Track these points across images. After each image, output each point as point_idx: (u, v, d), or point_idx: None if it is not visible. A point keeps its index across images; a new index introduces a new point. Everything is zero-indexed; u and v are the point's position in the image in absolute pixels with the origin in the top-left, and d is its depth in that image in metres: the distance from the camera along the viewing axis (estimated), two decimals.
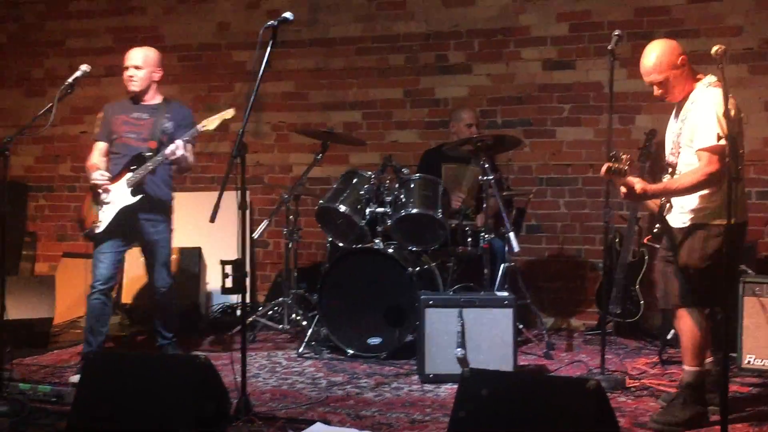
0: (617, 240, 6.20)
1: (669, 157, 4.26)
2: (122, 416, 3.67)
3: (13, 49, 8.17)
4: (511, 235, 5.33)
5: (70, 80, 4.86)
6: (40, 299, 5.99)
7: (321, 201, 5.84)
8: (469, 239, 5.88)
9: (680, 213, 4.20)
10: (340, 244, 5.88)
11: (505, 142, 5.82)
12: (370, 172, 5.86)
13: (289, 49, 7.30)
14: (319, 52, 7.39)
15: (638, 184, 4.09)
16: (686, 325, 4.16)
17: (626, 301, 6.10)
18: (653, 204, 4.36)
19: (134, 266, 5.78)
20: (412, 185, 5.76)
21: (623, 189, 4.13)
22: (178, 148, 5.06)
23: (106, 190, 5.13)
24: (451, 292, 5.72)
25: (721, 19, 6.37)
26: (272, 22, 4.25)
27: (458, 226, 5.89)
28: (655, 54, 4.22)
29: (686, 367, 4.19)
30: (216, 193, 4.15)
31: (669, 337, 5.39)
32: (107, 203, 5.15)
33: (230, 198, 4.18)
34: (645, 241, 5.03)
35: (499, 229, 5.81)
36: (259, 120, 7.45)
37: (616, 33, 4.93)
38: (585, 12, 6.70)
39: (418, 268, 5.64)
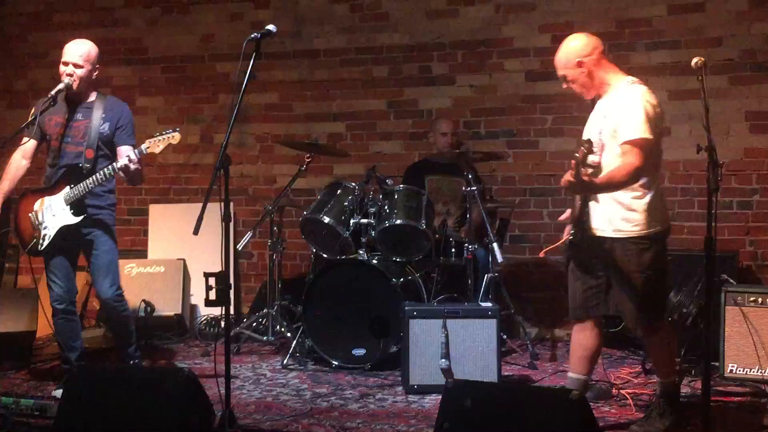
0: None
1: (591, 157, 4.10)
2: (105, 430, 3.65)
3: None
4: (495, 245, 5.35)
5: (52, 93, 4.83)
6: (23, 312, 5.95)
7: (305, 212, 5.85)
8: (453, 250, 5.90)
9: (603, 220, 4.13)
10: (325, 256, 5.88)
11: (490, 155, 5.85)
12: (354, 184, 5.87)
13: (273, 61, 7.31)
14: (303, 63, 7.41)
15: (585, 175, 3.93)
16: (658, 341, 4.18)
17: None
18: (573, 209, 4.30)
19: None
20: (395, 196, 5.77)
21: (568, 177, 3.94)
22: (131, 162, 4.75)
23: (36, 214, 4.93)
24: (435, 303, 5.73)
25: (702, 30, 6.43)
26: (255, 34, 4.26)
27: (442, 237, 5.91)
28: (564, 49, 4.22)
29: (660, 380, 4.22)
30: (200, 205, 4.14)
31: None
32: (46, 220, 4.92)
33: (214, 210, 4.17)
34: (542, 254, 4.83)
35: (483, 240, 5.83)
36: (244, 131, 7.45)
37: None
38: (567, 24, 6.73)
39: (402, 279, 5.65)
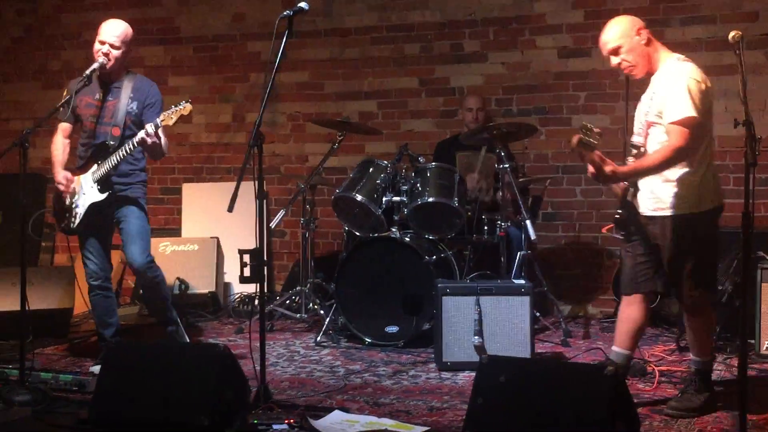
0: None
1: (635, 138, 4.13)
2: (142, 405, 3.70)
3: (30, 42, 8.22)
4: (528, 223, 5.33)
5: (87, 72, 4.87)
6: (60, 290, 6.03)
7: (337, 190, 5.86)
8: (486, 227, 5.89)
9: (650, 199, 4.08)
10: (357, 233, 5.90)
11: (520, 130, 5.82)
12: (386, 162, 5.87)
13: (305, 39, 7.31)
14: (334, 42, 7.40)
15: (608, 165, 3.89)
16: (699, 321, 4.15)
17: None
18: (617, 188, 4.24)
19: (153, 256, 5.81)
20: (428, 174, 5.77)
21: (591, 169, 3.92)
22: (148, 135, 4.74)
23: (72, 193, 5.00)
24: (468, 280, 5.73)
25: (738, 5, 6.34)
26: (288, 12, 4.25)
27: (475, 215, 5.89)
28: (610, 27, 4.11)
29: (695, 357, 4.20)
30: (233, 184, 4.17)
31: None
32: (78, 199, 5.00)
33: (247, 188, 4.19)
34: (604, 230, 4.80)
35: (516, 217, 5.81)
36: (275, 110, 7.47)
37: None
38: None
39: (434, 257, 5.65)
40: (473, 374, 3.57)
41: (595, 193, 6.75)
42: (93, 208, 4.98)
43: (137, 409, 3.70)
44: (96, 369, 4.62)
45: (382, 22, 7.27)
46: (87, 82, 4.89)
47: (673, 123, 3.88)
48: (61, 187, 5.01)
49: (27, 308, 4.45)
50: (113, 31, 4.98)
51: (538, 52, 6.90)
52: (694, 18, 6.38)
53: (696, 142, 3.90)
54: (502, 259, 5.60)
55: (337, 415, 4.03)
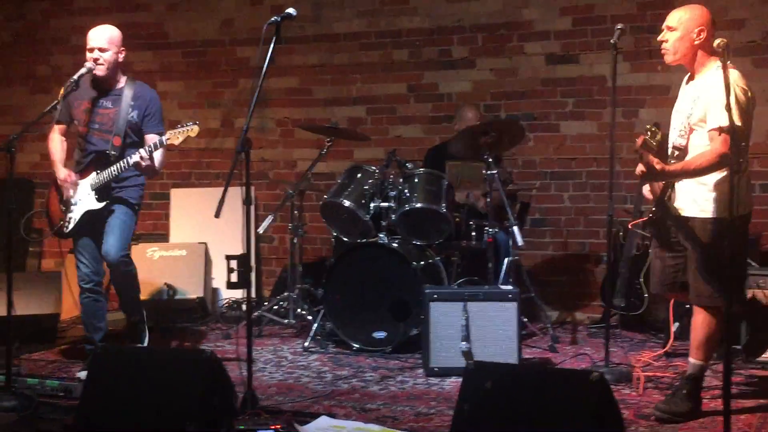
0: (621, 233, 6.22)
1: (677, 140, 4.18)
2: (129, 410, 3.69)
3: (18, 46, 8.20)
4: (515, 228, 5.34)
5: (74, 77, 4.87)
6: (47, 295, 6.02)
7: (325, 196, 5.86)
8: (474, 233, 5.90)
9: (685, 200, 4.14)
10: (345, 239, 5.90)
11: (508, 132, 5.82)
12: (374, 167, 5.87)
13: (293, 45, 7.32)
14: (322, 47, 7.41)
15: (658, 164, 4.00)
16: (705, 320, 4.15)
17: (631, 294, 6.11)
18: (656, 188, 4.27)
19: (141, 262, 5.80)
20: (416, 180, 5.78)
21: (641, 168, 4.01)
22: (143, 159, 4.84)
23: (74, 188, 5.03)
24: (456, 286, 5.75)
25: (725, 12, 6.36)
26: (275, 18, 4.27)
27: (462, 221, 5.91)
28: (684, 9, 4.20)
29: (693, 360, 4.21)
30: (221, 189, 4.17)
31: (674, 329, 5.41)
32: (73, 204, 5.03)
33: (235, 193, 4.20)
34: (630, 226, 4.91)
35: (503, 223, 5.83)
36: (264, 116, 7.47)
37: (619, 27, 4.93)
38: (588, 6, 6.70)
39: (422, 263, 5.66)
40: (460, 380, 3.58)
41: (582, 199, 6.78)
42: (88, 215, 5.01)
43: (123, 415, 3.69)
44: (83, 375, 4.60)
45: (371, 28, 7.29)
46: (75, 87, 4.89)
47: (715, 129, 3.95)
48: (65, 185, 5.02)
49: (12, 313, 4.45)
50: (100, 35, 5.01)
51: (527, 59, 6.93)
52: None
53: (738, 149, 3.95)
54: (490, 265, 5.61)
55: (324, 421, 4.03)
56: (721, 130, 3.90)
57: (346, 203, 5.69)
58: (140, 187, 5.22)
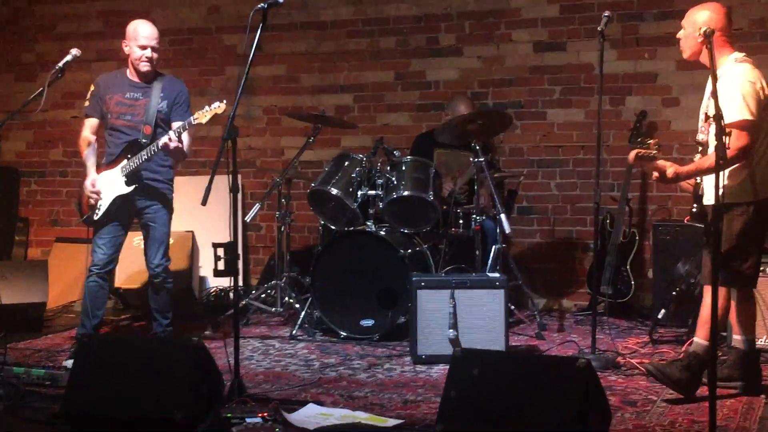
0: (608, 221, 6.24)
1: (699, 135, 4.27)
2: (115, 399, 3.68)
3: (2, 34, 8.12)
4: (503, 216, 5.35)
5: (60, 65, 4.85)
6: (33, 284, 6.00)
7: (313, 184, 5.86)
8: (461, 221, 5.90)
9: (710, 190, 4.19)
10: (332, 227, 5.90)
11: (496, 121, 5.83)
12: (361, 155, 5.87)
13: (280, 33, 7.29)
14: (310, 35, 7.38)
15: (670, 168, 4.13)
16: (707, 300, 4.21)
17: (617, 282, 6.14)
18: (687, 185, 4.37)
19: (128, 250, 5.79)
20: (403, 168, 5.77)
21: (655, 174, 4.15)
22: (171, 140, 4.96)
23: (97, 194, 5.13)
24: (443, 274, 5.75)
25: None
26: (262, 5, 4.25)
27: (450, 208, 5.91)
28: (694, 9, 4.32)
29: (698, 339, 4.25)
30: (207, 177, 4.16)
31: (660, 316, 5.44)
32: (102, 194, 5.13)
33: (222, 181, 4.19)
34: (686, 221, 5.03)
35: (491, 211, 5.83)
36: (251, 103, 7.45)
37: (606, 14, 4.94)
38: None
39: (410, 250, 5.66)
40: (448, 367, 3.58)
41: (569, 187, 6.79)
42: (117, 200, 5.11)
43: (110, 403, 3.68)
44: (69, 363, 4.60)
45: (358, 16, 7.26)
46: (60, 75, 4.87)
47: (728, 125, 3.96)
48: (87, 193, 5.14)
49: None
50: (153, 34, 5.23)
51: (514, 46, 6.92)
52: (668, 13, 6.40)
53: (753, 141, 4.04)
54: (477, 252, 5.62)
55: (311, 409, 4.04)
56: (733, 126, 3.97)
57: (334, 191, 5.68)
58: (171, 183, 5.37)
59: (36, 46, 8.01)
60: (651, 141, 4.15)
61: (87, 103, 5.32)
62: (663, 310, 5.44)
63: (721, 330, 4.80)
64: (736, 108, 4.01)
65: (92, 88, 5.31)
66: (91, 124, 5.28)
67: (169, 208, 5.33)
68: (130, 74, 5.25)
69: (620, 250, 6.11)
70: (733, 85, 4.07)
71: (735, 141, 4.00)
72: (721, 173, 4.06)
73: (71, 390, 3.79)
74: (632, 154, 4.17)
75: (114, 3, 7.71)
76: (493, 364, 3.53)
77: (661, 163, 4.16)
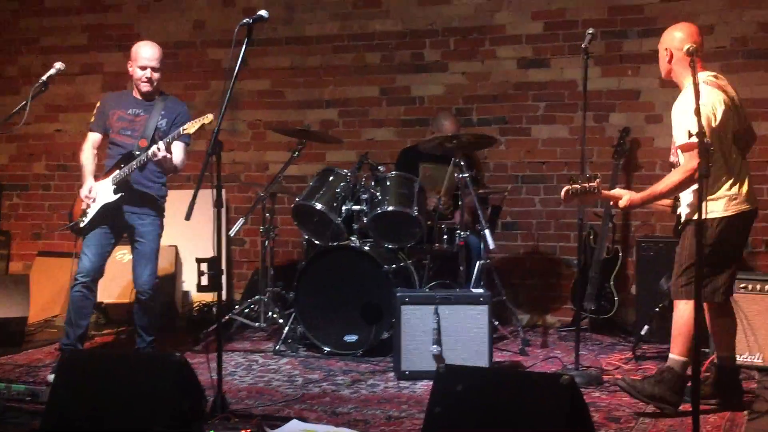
0: (591, 237, 6.26)
1: (672, 157, 4.34)
2: (97, 415, 3.65)
3: None
4: (487, 232, 5.35)
5: (44, 78, 4.85)
6: (15, 298, 5.96)
7: (297, 199, 5.85)
8: (445, 237, 5.90)
9: (685, 206, 4.30)
10: (317, 242, 5.89)
11: (481, 141, 5.86)
12: (346, 170, 5.87)
13: (266, 47, 7.30)
14: (295, 50, 7.39)
15: (624, 197, 4.23)
16: (676, 315, 4.26)
17: (601, 298, 6.16)
18: (660, 205, 4.43)
19: (112, 265, 5.75)
20: (388, 183, 5.78)
21: (611, 202, 4.25)
22: (159, 150, 4.99)
23: (92, 202, 5.17)
24: (427, 290, 5.74)
25: (694, 18, 6.40)
26: (247, 20, 4.26)
27: (434, 224, 5.91)
28: (670, 30, 4.39)
29: (671, 355, 4.26)
30: (191, 192, 4.15)
31: (643, 332, 5.45)
32: (92, 203, 5.17)
33: (206, 196, 4.18)
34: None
35: (475, 227, 5.84)
36: (236, 118, 7.44)
37: (590, 31, 4.98)
38: (559, 11, 6.74)
39: (394, 266, 5.66)
40: (432, 383, 3.57)
41: (553, 203, 6.81)
42: (104, 208, 5.13)
43: (91, 419, 3.65)
44: (52, 378, 4.56)
45: (344, 31, 7.28)
46: (43, 88, 4.86)
47: (678, 148, 4.15)
48: (83, 198, 5.17)
49: None
50: (154, 55, 5.27)
51: (498, 62, 6.95)
52: (651, 30, 6.44)
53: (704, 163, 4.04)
54: (461, 268, 5.62)
55: (294, 425, 4.01)
56: (681, 149, 4.11)
57: (318, 206, 5.68)
58: (164, 199, 5.39)
59: (19, 59, 7.98)
60: (580, 174, 4.24)
61: (92, 119, 5.38)
62: (646, 326, 5.45)
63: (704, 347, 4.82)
64: (682, 132, 4.06)
65: (98, 104, 5.39)
66: (93, 138, 5.34)
67: (159, 225, 5.33)
68: (135, 93, 5.32)
69: (603, 266, 6.14)
70: (679, 109, 4.15)
71: (687, 162, 4.09)
72: (698, 188, 4.13)
73: (52, 405, 3.76)
74: (563, 193, 4.23)
75: (98, 17, 7.69)
76: (477, 381, 3.52)
77: (614, 192, 4.29)
